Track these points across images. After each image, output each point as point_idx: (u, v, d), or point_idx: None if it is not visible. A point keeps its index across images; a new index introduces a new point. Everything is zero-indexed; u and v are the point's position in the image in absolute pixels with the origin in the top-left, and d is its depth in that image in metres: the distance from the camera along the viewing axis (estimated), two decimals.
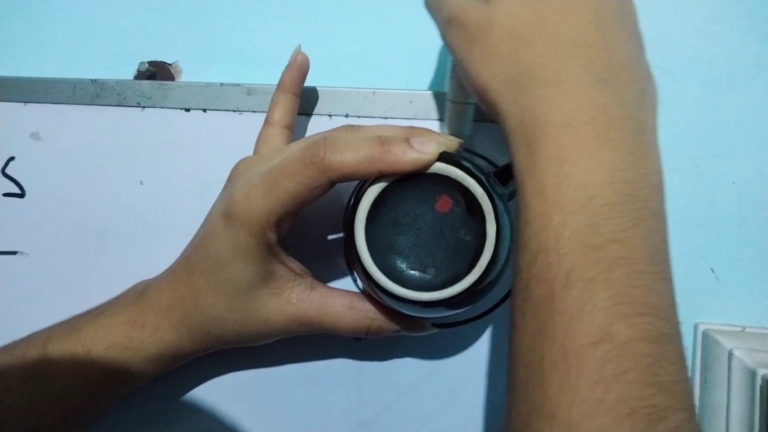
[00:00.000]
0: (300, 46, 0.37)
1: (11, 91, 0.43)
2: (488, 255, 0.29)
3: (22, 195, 0.43)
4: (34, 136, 0.43)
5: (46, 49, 0.45)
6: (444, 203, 0.30)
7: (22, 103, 0.43)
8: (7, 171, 0.43)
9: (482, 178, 0.30)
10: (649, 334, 0.23)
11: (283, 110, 0.37)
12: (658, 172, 0.26)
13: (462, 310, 0.32)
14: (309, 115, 0.41)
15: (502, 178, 0.32)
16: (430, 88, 0.41)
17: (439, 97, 0.40)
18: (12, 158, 0.43)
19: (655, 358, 0.23)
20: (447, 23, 0.30)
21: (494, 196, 0.30)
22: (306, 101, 0.40)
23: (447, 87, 0.37)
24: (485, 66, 0.28)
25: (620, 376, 0.22)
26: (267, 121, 0.37)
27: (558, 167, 0.25)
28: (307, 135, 0.41)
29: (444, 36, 0.31)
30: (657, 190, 0.26)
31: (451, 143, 0.32)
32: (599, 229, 0.24)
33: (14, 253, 0.43)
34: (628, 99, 0.26)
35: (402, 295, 0.30)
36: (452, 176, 0.29)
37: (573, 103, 0.26)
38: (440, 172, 0.30)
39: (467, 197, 0.30)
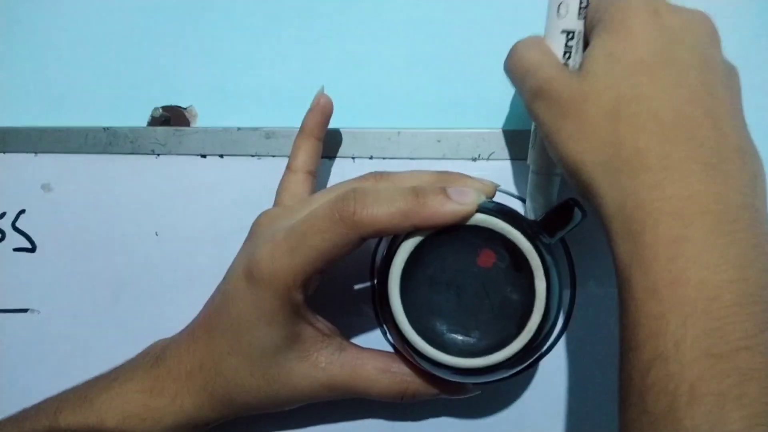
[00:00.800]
0: (323, 87, 0.35)
1: (21, 142, 0.41)
2: (539, 315, 0.27)
3: (32, 249, 0.41)
4: (45, 187, 0.41)
5: (56, 96, 0.43)
6: (486, 258, 0.28)
7: (33, 154, 0.41)
8: (18, 225, 0.41)
9: (527, 228, 0.27)
10: None
11: (306, 155, 0.35)
12: None
13: (508, 375, 0.29)
14: (332, 158, 0.39)
15: (549, 228, 0.29)
16: (458, 125, 0.39)
17: (470, 136, 0.37)
18: (23, 211, 0.41)
19: None
20: (534, 95, 0.28)
21: (542, 248, 0.27)
22: (328, 144, 0.38)
23: (530, 157, 0.34)
24: (579, 143, 0.26)
25: None
26: (289, 168, 0.35)
27: (671, 263, 0.23)
28: (330, 179, 0.39)
29: (530, 107, 0.28)
30: None
31: (489, 189, 0.29)
32: (725, 336, 0.21)
33: (25, 310, 0.41)
34: (743, 185, 0.24)
35: (443, 362, 0.27)
36: (495, 228, 0.27)
37: (684, 191, 0.23)
38: (481, 224, 0.27)
39: (512, 251, 0.27)
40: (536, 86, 0.28)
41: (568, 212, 0.31)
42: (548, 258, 0.27)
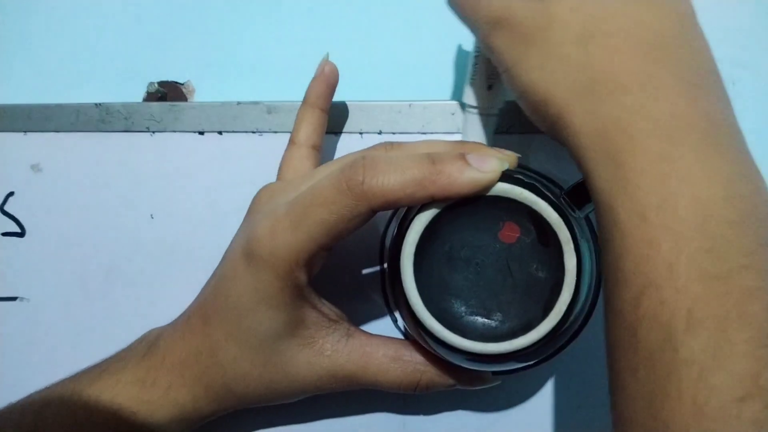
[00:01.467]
0: (328, 55, 0.33)
1: (10, 120, 0.39)
2: (568, 294, 0.24)
3: (22, 234, 0.39)
4: (35, 168, 0.39)
5: (45, 72, 0.41)
6: (509, 232, 0.25)
7: (22, 133, 0.39)
8: (6, 208, 0.39)
9: (555, 199, 0.25)
10: None
11: (310, 128, 0.32)
12: (764, 180, 0.22)
13: (534, 362, 0.26)
14: (337, 133, 0.36)
15: (576, 200, 0.26)
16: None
17: None
18: (11, 193, 0.39)
19: None
20: (491, 25, 0.25)
21: (571, 221, 0.24)
22: (334, 118, 0.36)
23: (465, 96, 0.32)
24: (546, 72, 0.24)
25: None
26: (292, 141, 0.32)
27: (660, 184, 0.21)
28: (336, 156, 0.37)
29: (487, 40, 0.26)
30: None
31: (512, 159, 0.26)
32: (723, 255, 0.19)
33: (14, 298, 0.39)
34: (723, 105, 0.23)
35: (461, 347, 0.25)
36: (519, 199, 0.24)
37: (669, 110, 0.22)
38: (504, 195, 0.24)
39: (538, 224, 0.25)
40: (493, 15, 0.25)
41: None
42: (578, 232, 0.24)
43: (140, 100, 0.39)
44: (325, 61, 0.33)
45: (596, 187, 0.22)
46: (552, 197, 0.25)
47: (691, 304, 0.19)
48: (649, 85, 0.22)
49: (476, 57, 0.31)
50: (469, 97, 0.32)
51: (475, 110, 0.32)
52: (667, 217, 0.20)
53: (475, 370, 0.29)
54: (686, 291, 0.19)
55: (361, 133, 0.36)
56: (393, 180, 0.24)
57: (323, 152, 0.35)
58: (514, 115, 0.34)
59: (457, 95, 0.37)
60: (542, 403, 0.34)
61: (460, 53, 0.38)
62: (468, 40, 0.37)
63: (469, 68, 0.32)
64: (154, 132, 0.38)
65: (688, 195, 0.20)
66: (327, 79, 0.32)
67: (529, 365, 0.27)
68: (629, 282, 0.21)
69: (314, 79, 0.33)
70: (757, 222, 0.20)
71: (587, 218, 0.27)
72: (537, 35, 0.24)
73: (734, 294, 0.19)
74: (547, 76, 0.24)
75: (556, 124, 0.24)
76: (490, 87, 0.31)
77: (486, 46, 0.26)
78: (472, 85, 0.32)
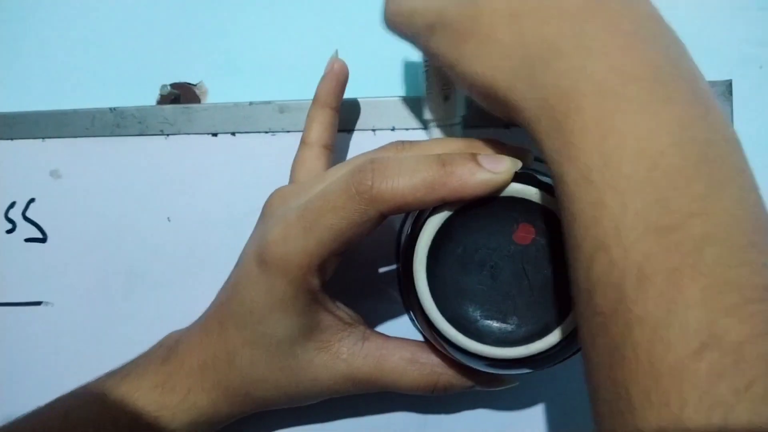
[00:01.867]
0: (337, 52, 0.32)
1: (28, 128, 0.40)
2: None
3: (44, 240, 0.39)
4: (54, 174, 0.39)
5: (60, 79, 0.41)
6: (524, 233, 0.24)
7: (40, 140, 0.39)
8: (28, 214, 0.40)
9: None
10: None
11: (321, 127, 0.32)
12: (730, 124, 0.21)
13: (552, 365, 0.26)
14: (350, 131, 0.36)
15: None
16: None
17: None
18: (32, 200, 0.40)
19: None
20: (429, 32, 0.26)
21: None
22: (346, 115, 0.35)
23: (425, 112, 0.33)
24: (484, 60, 0.24)
25: (744, 391, 0.16)
26: (303, 142, 0.32)
27: (602, 143, 0.20)
28: (349, 155, 0.36)
29: (428, 47, 0.26)
30: (734, 144, 0.20)
31: (526, 156, 0.26)
32: (672, 204, 0.18)
33: (38, 303, 0.39)
34: (666, 48, 0.22)
35: (477, 352, 0.24)
36: (533, 199, 0.24)
37: (605, 64, 0.21)
38: (518, 195, 0.24)
39: (554, 224, 0.24)
40: (427, 22, 0.26)
41: None
42: None
43: (154, 102, 0.39)
44: (335, 59, 0.32)
45: (548, 160, 0.22)
46: None
47: (642, 259, 0.18)
48: (581, 46, 0.21)
49: (426, 71, 0.32)
50: (428, 111, 0.32)
51: (435, 123, 0.32)
52: (612, 175, 0.19)
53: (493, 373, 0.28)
54: (635, 248, 0.18)
55: (374, 130, 0.36)
56: (402, 184, 0.24)
57: (336, 151, 0.35)
58: None
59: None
60: (566, 399, 0.33)
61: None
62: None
63: (423, 83, 0.32)
64: (168, 135, 0.38)
65: (632, 148, 0.19)
66: (337, 76, 0.32)
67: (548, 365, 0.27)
68: (581, 248, 0.20)
69: (324, 77, 0.32)
70: (710, 164, 0.19)
71: None
72: (470, 28, 0.24)
73: (685, 244, 0.18)
74: (487, 63, 0.24)
75: (507, 109, 0.24)
76: (446, 98, 0.31)
77: (429, 54, 0.27)
78: (429, 99, 0.32)
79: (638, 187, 0.19)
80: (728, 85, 0.32)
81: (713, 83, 0.32)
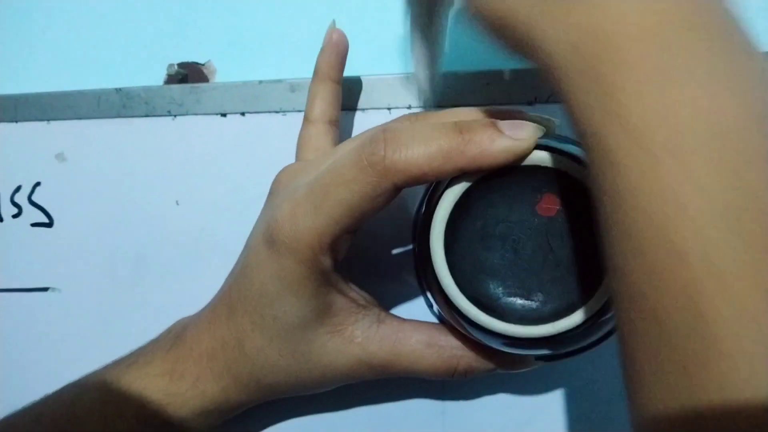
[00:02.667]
0: (334, 22, 0.31)
1: (32, 110, 0.39)
2: None
3: (50, 224, 0.38)
4: (60, 157, 0.38)
5: (64, 59, 0.40)
6: (548, 205, 0.23)
7: (45, 122, 0.39)
8: (34, 198, 0.39)
9: None
10: None
11: (324, 103, 0.30)
12: None
13: (579, 346, 0.24)
14: (364, 110, 0.35)
15: None
16: (508, 64, 0.33)
17: (525, 76, 0.32)
18: (38, 184, 0.39)
19: None
20: None
21: None
22: (357, 94, 0.34)
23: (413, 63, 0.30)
24: None
25: None
26: (307, 119, 0.31)
27: (663, 106, 0.16)
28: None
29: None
30: None
31: (549, 124, 0.24)
32: (744, 181, 0.15)
33: (45, 289, 0.38)
34: None
35: (500, 331, 0.23)
36: (559, 168, 0.22)
37: (653, 5, 0.17)
38: (541, 164, 0.22)
39: (580, 193, 0.22)
40: None
41: None
42: None
43: (161, 82, 0.38)
44: (333, 29, 0.31)
45: (581, 118, 0.18)
46: None
47: (711, 250, 0.15)
48: None
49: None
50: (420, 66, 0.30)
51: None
52: (674, 143, 0.16)
53: (516, 354, 0.27)
54: (704, 234, 0.15)
55: (389, 109, 0.35)
56: (417, 153, 0.22)
57: (348, 131, 0.34)
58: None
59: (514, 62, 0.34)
60: (588, 388, 0.32)
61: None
62: None
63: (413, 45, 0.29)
64: (175, 116, 0.37)
65: (698, 110, 0.16)
66: (336, 47, 0.30)
67: (574, 351, 0.25)
68: (629, 230, 0.17)
69: (323, 49, 0.31)
70: None
71: None
72: None
73: (762, 229, 0.15)
74: None
75: (524, 47, 0.20)
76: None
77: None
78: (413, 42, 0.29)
79: (706, 159, 0.16)
80: None
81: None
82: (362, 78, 0.34)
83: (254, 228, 0.29)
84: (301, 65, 0.37)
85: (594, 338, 0.26)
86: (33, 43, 0.41)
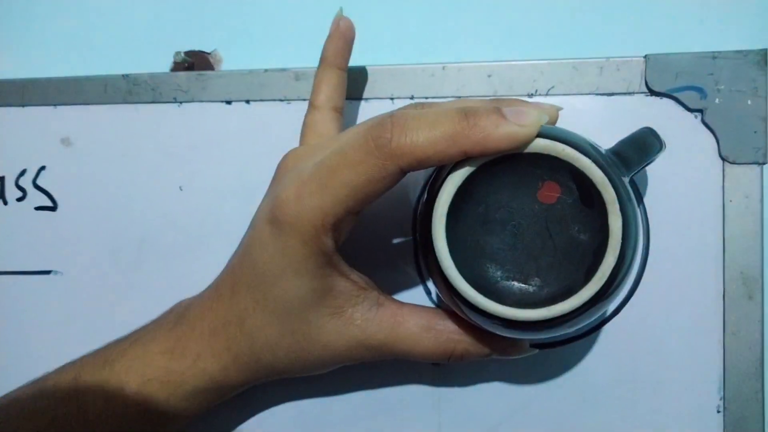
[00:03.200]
0: (341, 10, 0.31)
1: (39, 94, 0.39)
2: (612, 258, 0.22)
3: (54, 208, 0.39)
4: (65, 141, 0.39)
5: (72, 45, 0.41)
6: (549, 192, 0.23)
7: (52, 107, 0.39)
8: (39, 182, 0.39)
9: (599, 156, 0.23)
10: None
11: (330, 89, 0.31)
12: None
13: (574, 330, 0.25)
14: (368, 99, 0.35)
15: (622, 160, 0.24)
16: (511, 57, 0.34)
17: (525, 69, 0.33)
18: (43, 167, 0.39)
19: None
20: None
21: (616, 179, 0.23)
22: (362, 83, 0.34)
23: None
24: None
25: None
26: (312, 105, 0.31)
27: None
28: None
29: None
30: None
31: (552, 112, 0.25)
32: None
33: (48, 272, 0.39)
34: None
35: (497, 313, 0.23)
36: (560, 156, 0.23)
37: None
38: (543, 151, 0.23)
39: (580, 182, 0.23)
40: None
41: (644, 144, 0.26)
42: (624, 191, 0.23)
43: (167, 69, 0.39)
44: (340, 17, 0.31)
45: None
46: (596, 154, 0.23)
47: None
48: None
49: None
50: None
51: None
52: None
53: (511, 338, 0.27)
54: None
55: (392, 99, 0.35)
56: (423, 136, 0.23)
57: (351, 120, 0.34)
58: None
59: (518, 54, 0.35)
60: (581, 376, 0.32)
61: (508, 11, 0.36)
62: None
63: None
64: (181, 102, 0.37)
65: None
66: (343, 35, 0.31)
67: (570, 339, 0.26)
68: None
69: (330, 36, 0.31)
70: None
71: (632, 180, 0.25)
72: None
73: None
74: None
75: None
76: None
77: None
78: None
79: None
80: (763, 54, 0.31)
81: (747, 52, 0.31)
82: (366, 68, 0.34)
83: (259, 208, 0.29)
84: (307, 54, 0.37)
85: (587, 326, 0.26)
86: (41, 29, 0.41)
